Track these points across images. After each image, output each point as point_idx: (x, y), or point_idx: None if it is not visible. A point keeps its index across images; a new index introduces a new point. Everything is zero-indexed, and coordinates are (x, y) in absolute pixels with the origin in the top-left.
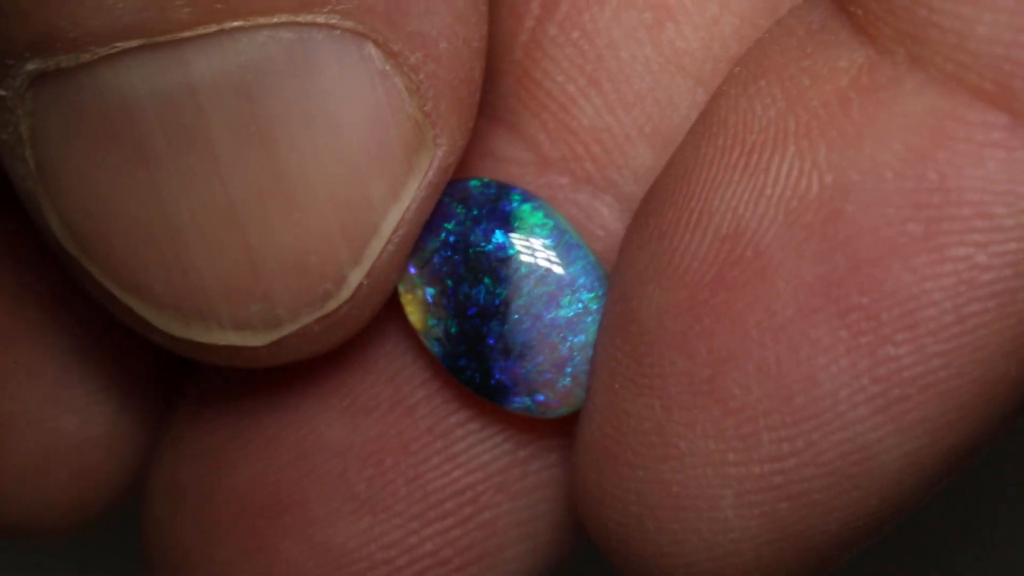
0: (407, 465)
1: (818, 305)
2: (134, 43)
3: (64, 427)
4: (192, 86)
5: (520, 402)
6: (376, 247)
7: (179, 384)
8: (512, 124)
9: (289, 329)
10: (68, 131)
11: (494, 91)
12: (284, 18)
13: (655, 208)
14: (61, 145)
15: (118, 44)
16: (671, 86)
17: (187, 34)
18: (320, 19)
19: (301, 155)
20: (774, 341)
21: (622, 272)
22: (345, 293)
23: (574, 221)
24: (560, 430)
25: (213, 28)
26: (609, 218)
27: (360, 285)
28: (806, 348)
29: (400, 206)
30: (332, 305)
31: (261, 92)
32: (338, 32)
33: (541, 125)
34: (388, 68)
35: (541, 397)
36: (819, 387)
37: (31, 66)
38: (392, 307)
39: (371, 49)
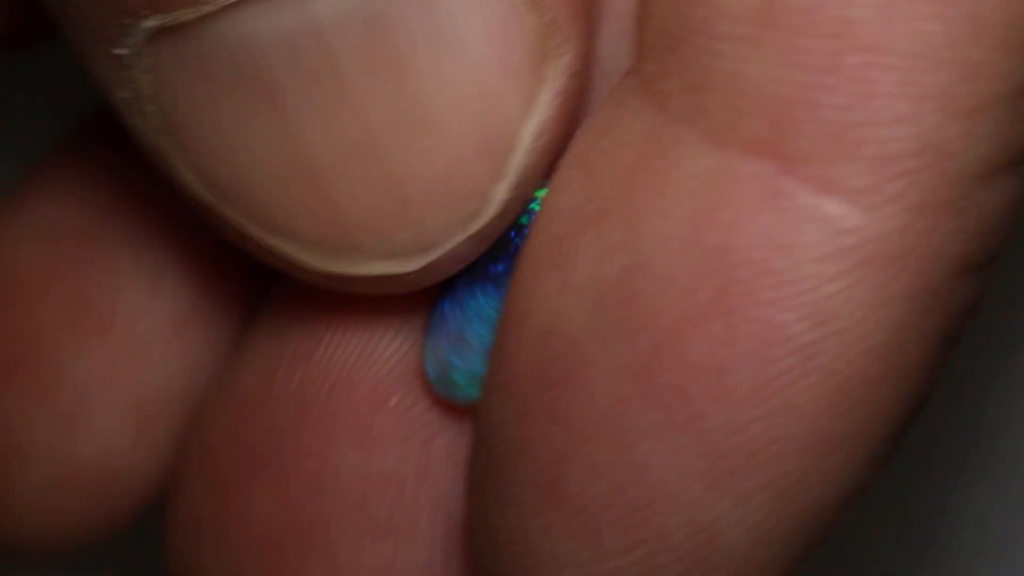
0: (427, 492)
1: (631, 392)
2: None
3: (81, 453)
4: (317, 26)
5: None
6: (517, 161)
7: (195, 410)
8: None
9: (439, 252)
10: (194, 83)
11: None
12: None
13: (499, 320)
14: (187, 98)
15: None
16: None
17: None
18: None
19: (432, 79)
20: (598, 433)
21: (483, 386)
22: (493, 209)
23: None
24: None
25: None
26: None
27: (507, 200)
28: (627, 436)
29: (535, 118)
30: (481, 222)
31: (385, 23)
32: None
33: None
34: None
35: None
36: (649, 473)
37: (150, 23)
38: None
39: None
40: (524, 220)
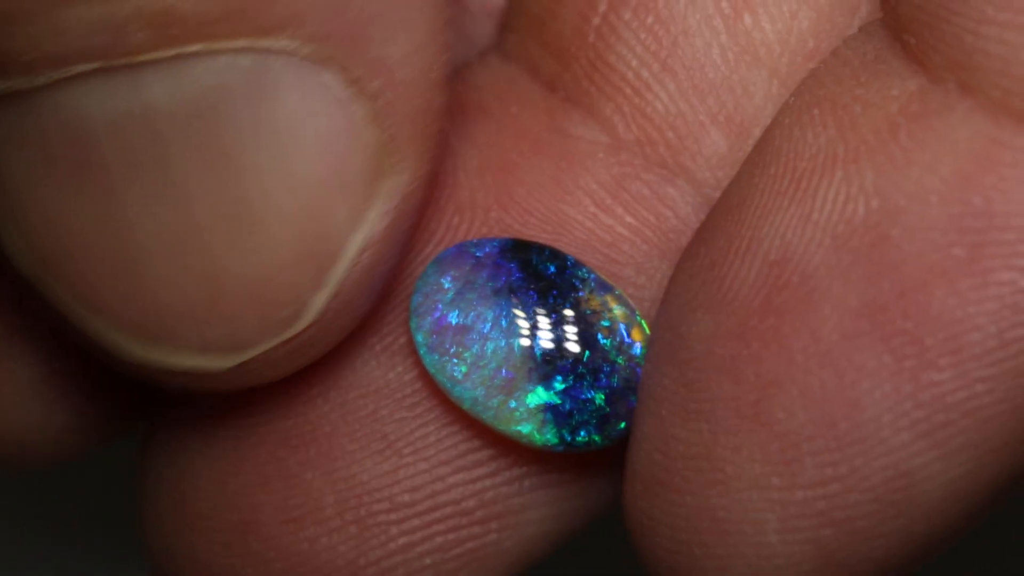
0: (443, 411)
1: (863, 330)
2: (90, 66)
3: (63, 350)
4: (149, 111)
5: None
6: (339, 272)
7: None
8: (587, 106)
9: (252, 353)
10: (24, 154)
11: (568, 74)
12: (243, 43)
13: (706, 237)
14: (17, 168)
15: (74, 68)
16: (746, 76)
17: (144, 58)
18: (279, 45)
19: (261, 180)
20: (819, 366)
21: (671, 300)
22: (308, 317)
23: (644, 201)
24: None
25: (170, 52)
26: (680, 202)
27: (324, 310)
28: (850, 373)
29: (362, 232)
30: (295, 329)
31: (219, 118)
32: (297, 58)
33: (616, 108)
34: (348, 95)
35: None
36: (863, 412)
37: None
38: None
39: (330, 76)
40: None
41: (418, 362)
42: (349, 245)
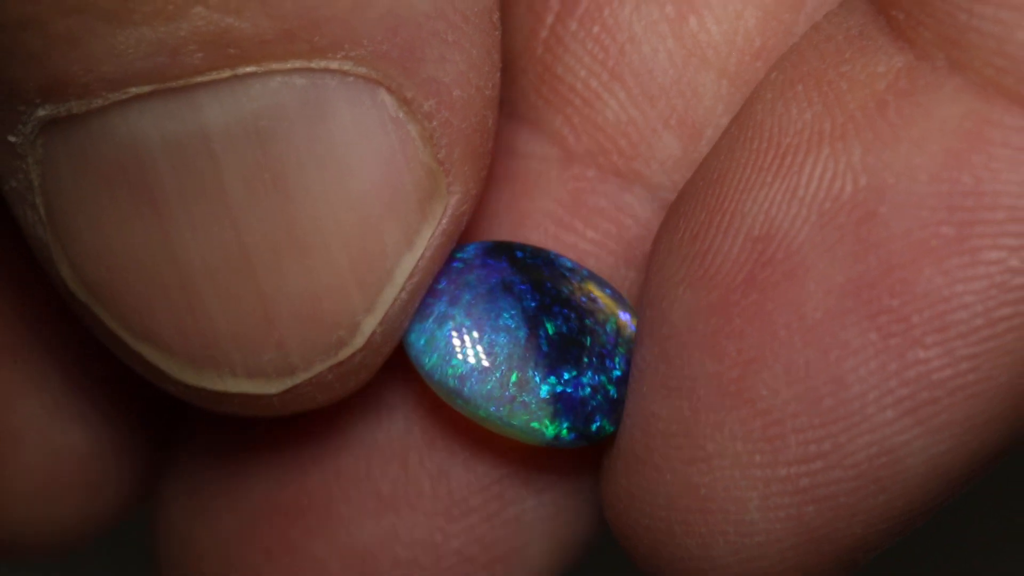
0: (432, 463)
1: (848, 307)
2: (146, 88)
3: (70, 440)
4: (205, 132)
5: None
6: (390, 295)
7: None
8: (534, 120)
9: (302, 377)
10: (79, 178)
11: (514, 88)
12: (297, 64)
13: (686, 211)
14: (71, 192)
15: (130, 89)
16: (695, 78)
17: (199, 79)
18: (333, 65)
19: (314, 202)
20: (803, 343)
21: (653, 275)
22: (359, 341)
23: (603, 213)
24: None
25: (226, 73)
26: (639, 209)
27: (373, 333)
28: (835, 350)
29: (414, 254)
30: (346, 353)
31: (274, 138)
32: (351, 78)
33: (565, 120)
34: (401, 115)
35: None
36: (847, 389)
37: (42, 112)
38: None
39: (384, 95)
40: None
41: (405, 416)
42: (401, 267)
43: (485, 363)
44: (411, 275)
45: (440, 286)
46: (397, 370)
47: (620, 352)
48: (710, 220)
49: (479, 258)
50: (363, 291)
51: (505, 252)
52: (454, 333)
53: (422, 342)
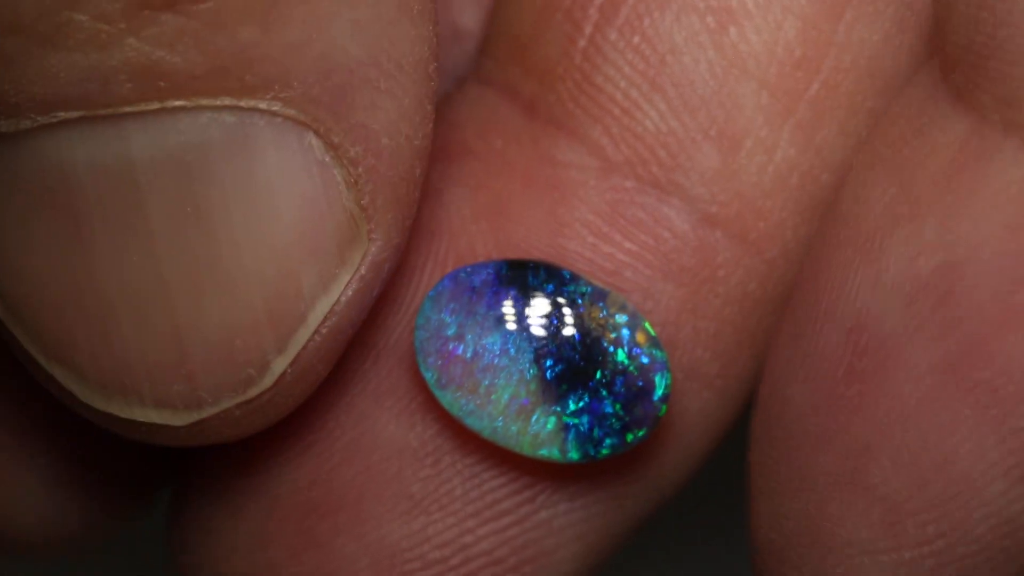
0: (464, 464)
1: (940, 386)
2: (75, 114)
3: (81, 437)
4: (130, 161)
5: None
6: (302, 337)
7: None
8: (572, 130)
9: (209, 411)
10: (4, 195)
11: (551, 97)
12: (226, 101)
13: (791, 309)
14: None
15: (59, 113)
16: (735, 89)
17: (128, 109)
18: (262, 105)
19: (234, 239)
20: (903, 428)
21: (766, 376)
22: (268, 380)
23: (641, 225)
24: None
25: (155, 105)
26: (677, 221)
27: (284, 373)
28: (935, 432)
29: (329, 298)
30: (254, 391)
31: (199, 173)
32: (279, 119)
33: (604, 130)
34: (328, 159)
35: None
36: (954, 467)
37: None
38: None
39: (312, 139)
40: None
41: (437, 419)
42: (315, 310)
43: (493, 396)
44: (325, 319)
45: (448, 318)
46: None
47: (631, 374)
48: (809, 316)
49: (489, 285)
50: (276, 331)
51: (516, 277)
52: (461, 367)
53: (431, 376)
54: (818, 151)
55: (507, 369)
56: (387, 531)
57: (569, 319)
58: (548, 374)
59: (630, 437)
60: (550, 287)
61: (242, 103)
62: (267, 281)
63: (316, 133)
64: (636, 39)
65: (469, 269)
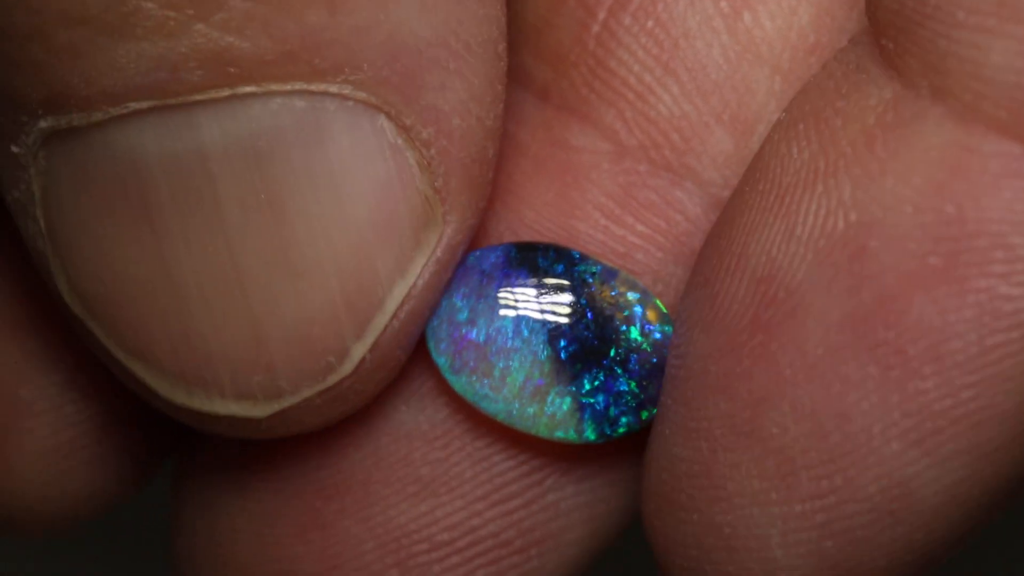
0: (474, 448)
1: (846, 342)
2: (145, 104)
3: (79, 414)
4: (202, 150)
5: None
6: (380, 322)
7: None
8: (585, 114)
9: (290, 401)
10: (78, 191)
11: (565, 82)
12: (297, 86)
13: (703, 255)
14: (70, 205)
15: (130, 104)
16: (749, 74)
17: (199, 97)
18: (333, 88)
19: (308, 225)
20: (807, 380)
21: (678, 320)
22: (347, 367)
23: (653, 208)
24: None
25: (225, 92)
26: (689, 204)
27: (363, 360)
28: (837, 385)
29: (406, 282)
30: (334, 379)
31: (271, 160)
32: (351, 103)
33: (618, 114)
34: (400, 142)
35: None
36: (852, 423)
37: (44, 123)
38: None
39: (383, 121)
40: None
41: (447, 403)
42: (392, 294)
43: (507, 379)
44: (403, 303)
45: (459, 302)
46: (433, 363)
47: (645, 351)
48: (719, 264)
49: (500, 268)
50: (353, 317)
51: (526, 259)
52: (474, 352)
53: (444, 362)
54: None
55: (520, 351)
56: (394, 513)
57: (581, 299)
58: (562, 354)
59: (645, 414)
60: (560, 267)
61: (312, 87)
62: (343, 267)
63: (387, 116)
64: (650, 23)
65: (479, 253)
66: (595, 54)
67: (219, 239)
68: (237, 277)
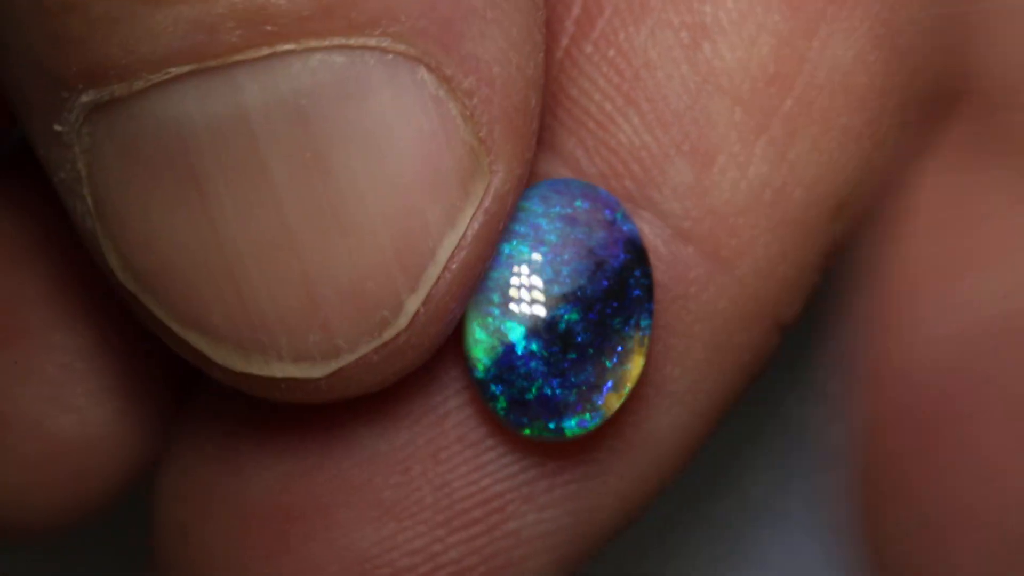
0: (435, 473)
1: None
2: (185, 68)
3: (63, 427)
4: (244, 111)
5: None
6: (433, 273)
7: (191, 383)
8: (547, 141)
9: (348, 359)
10: (124, 164)
11: None
12: (336, 41)
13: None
14: (117, 180)
15: (170, 70)
16: (708, 105)
17: (238, 58)
18: (372, 42)
19: (355, 180)
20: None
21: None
22: (403, 320)
23: None
24: (586, 446)
25: (264, 51)
26: (649, 235)
27: (417, 312)
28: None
29: (456, 232)
30: (390, 333)
31: (314, 117)
32: (390, 56)
33: (579, 142)
34: (442, 93)
35: None
36: None
37: (85, 97)
38: None
39: (424, 73)
40: None
41: (408, 426)
42: (443, 245)
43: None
44: (454, 254)
45: None
46: (401, 383)
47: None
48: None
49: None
50: (406, 270)
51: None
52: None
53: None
54: (791, 167)
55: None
56: (357, 537)
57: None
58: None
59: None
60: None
61: (351, 42)
62: (392, 220)
63: (427, 67)
64: (611, 52)
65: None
66: (557, 81)
67: (267, 200)
68: (288, 237)
